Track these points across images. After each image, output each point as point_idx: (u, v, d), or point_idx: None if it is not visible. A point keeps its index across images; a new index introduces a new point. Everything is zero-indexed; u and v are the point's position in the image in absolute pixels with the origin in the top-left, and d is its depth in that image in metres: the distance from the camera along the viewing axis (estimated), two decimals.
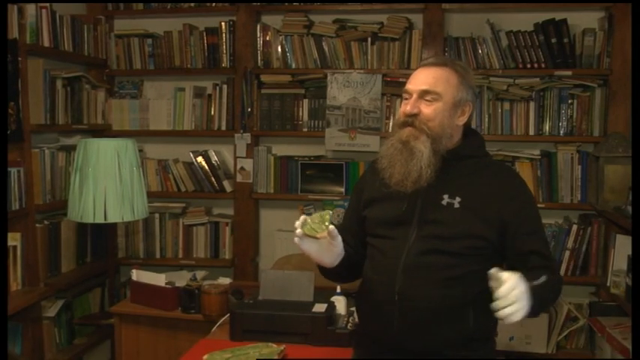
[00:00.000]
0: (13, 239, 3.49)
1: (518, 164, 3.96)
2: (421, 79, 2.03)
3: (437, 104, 2.00)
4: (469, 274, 1.96)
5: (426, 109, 2.00)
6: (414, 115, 2.01)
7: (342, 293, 2.87)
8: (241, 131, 4.24)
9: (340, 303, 2.84)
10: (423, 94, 2.01)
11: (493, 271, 1.73)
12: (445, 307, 1.95)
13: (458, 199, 1.99)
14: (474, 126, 3.90)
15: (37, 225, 3.67)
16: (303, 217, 1.99)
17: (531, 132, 3.97)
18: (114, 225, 4.20)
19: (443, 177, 2.00)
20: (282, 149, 4.37)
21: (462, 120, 2.07)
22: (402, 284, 1.98)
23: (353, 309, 2.75)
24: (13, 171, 3.42)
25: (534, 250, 1.97)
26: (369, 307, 2.09)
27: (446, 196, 2.00)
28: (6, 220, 3.22)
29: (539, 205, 3.77)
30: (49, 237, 3.80)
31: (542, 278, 1.84)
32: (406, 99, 2.05)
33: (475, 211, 1.97)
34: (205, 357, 2.40)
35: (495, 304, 1.69)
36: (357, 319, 2.50)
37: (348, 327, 2.67)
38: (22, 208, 3.50)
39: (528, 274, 1.80)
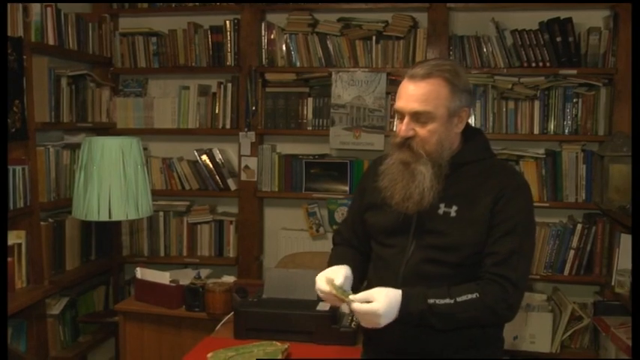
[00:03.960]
0: (18, 237, 3.50)
1: (523, 163, 3.95)
2: (410, 97, 1.93)
3: (431, 124, 1.92)
4: (469, 281, 1.93)
5: (421, 131, 1.93)
6: (410, 137, 1.94)
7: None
8: (246, 130, 4.24)
9: None
10: (415, 116, 1.93)
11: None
12: None
13: (454, 207, 1.95)
14: (478, 125, 3.93)
15: (42, 223, 3.68)
16: (325, 278, 2.01)
17: (536, 131, 3.96)
18: (118, 223, 4.20)
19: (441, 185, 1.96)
20: (287, 148, 4.37)
21: (460, 127, 2.00)
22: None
23: None
24: (17, 169, 3.43)
25: (493, 252, 1.92)
26: None
27: (442, 205, 1.96)
28: (6, 219, 3.22)
29: (543, 204, 3.86)
30: (54, 235, 3.81)
31: (465, 297, 1.87)
32: (399, 118, 1.98)
33: (471, 219, 1.93)
34: (209, 355, 2.40)
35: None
36: None
37: (352, 326, 2.67)
38: (27, 206, 3.51)
39: (458, 286, 1.89)
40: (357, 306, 1.87)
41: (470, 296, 1.87)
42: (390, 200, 1.98)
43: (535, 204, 2.10)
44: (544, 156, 3.95)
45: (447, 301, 1.86)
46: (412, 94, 1.93)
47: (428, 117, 1.92)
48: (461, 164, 2.00)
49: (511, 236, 1.91)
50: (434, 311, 1.86)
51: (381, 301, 1.85)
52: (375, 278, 2.09)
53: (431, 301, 1.86)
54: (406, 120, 1.94)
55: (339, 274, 2.02)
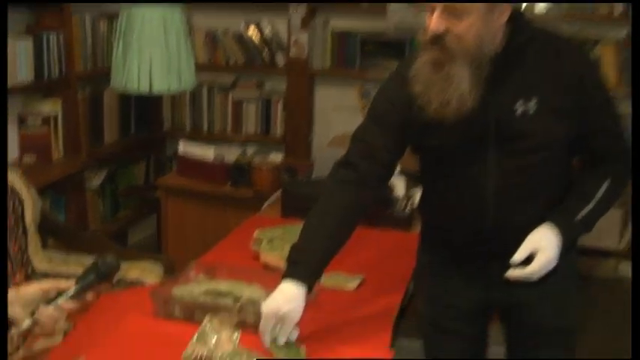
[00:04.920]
0: (54, 106, 3.43)
1: (600, 47, 3.63)
2: None
3: (467, 20, 1.64)
4: (559, 175, 1.85)
5: (456, 27, 1.65)
6: (442, 34, 1.66)
7: (402, 173, 2.67)
8: (296, 4, 3.94)
9: (399, 184, 2.70)
10: (448, 9, 1.64)
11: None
12: (541, 220, 1.81)
13: (534, 100, 1.72)
14: None
15: (79, 93, 3.56)
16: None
17: (616, 13, 3.61)
18: (159, 97, 4.02)
19: (506, 78, 1.72)
20: (340, 24, 4.08)
21: (502, 19, 1.69)
22: (497, 208, 1.80)
23: (413, 190, 2.68)
24: (52, 36, 3.34)
25: (601, 129, 1.82)
26: (451, 236, 1.91)
27: (519, 103, 1.72)
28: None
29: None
30: (91, 106, 3.71)
31: (601, 189, 1.81)
32: (430, 12, 1.69)
33: (554, 110, 1.73)
34: (256, 232, 2.33)
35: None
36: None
37: (406, 211, 2.60)
38: (62, 76, 3.41)
39: (587, 184, 1.84)
40: (530, 270, 1.75)
41: (605, 186, 1.82)
42: (428, 108, 1.71)
43: (613, 92, 1.95)
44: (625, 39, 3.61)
45: (592, 205, 1.81)
46: None
47: (463, 11, 1.63)
48: (515, 52, 1.73)
49: (606, 108, 1.83)
50: (586, 223, 1.82)
51: (549, 248, 1.76)
52: (451, 198, 1.87)
53: (579, 216, 1.80)
54: (437, 13, 1.65)
55: (287, 323, 1.73)
